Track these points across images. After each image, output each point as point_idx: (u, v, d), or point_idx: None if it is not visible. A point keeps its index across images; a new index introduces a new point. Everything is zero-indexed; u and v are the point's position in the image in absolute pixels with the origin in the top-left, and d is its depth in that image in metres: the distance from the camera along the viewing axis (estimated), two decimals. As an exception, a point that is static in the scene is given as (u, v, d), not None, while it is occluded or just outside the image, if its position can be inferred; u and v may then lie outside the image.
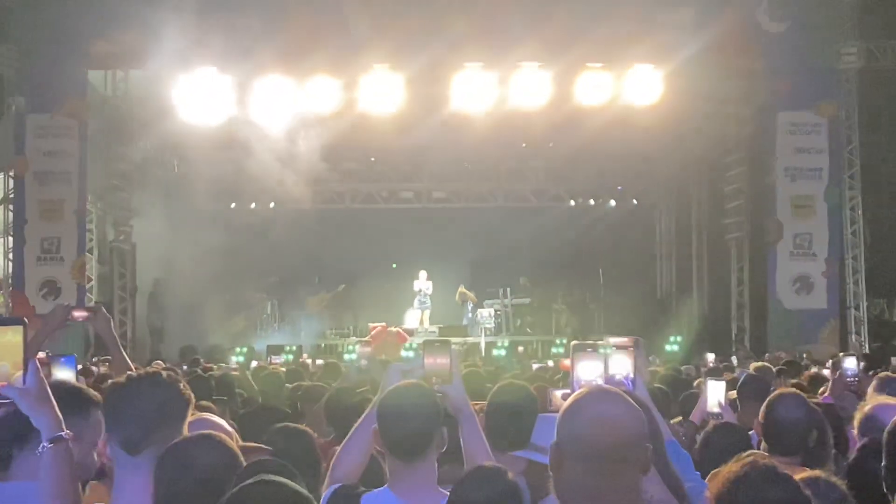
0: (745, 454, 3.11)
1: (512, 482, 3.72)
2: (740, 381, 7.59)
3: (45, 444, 3.23)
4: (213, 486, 3.18)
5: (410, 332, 26.10)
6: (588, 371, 3.76)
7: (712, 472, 3.21)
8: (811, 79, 22.07)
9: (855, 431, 5.02)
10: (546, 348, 25.37)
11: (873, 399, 5.23)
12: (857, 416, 5.05)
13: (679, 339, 24.63)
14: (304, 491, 2.99)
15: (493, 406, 5.14)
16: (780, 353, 19.00)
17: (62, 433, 3.26)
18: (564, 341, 26.80)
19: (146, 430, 3.49)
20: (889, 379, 6.58)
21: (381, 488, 4.08)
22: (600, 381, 3.69)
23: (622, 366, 4.93)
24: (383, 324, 25.79)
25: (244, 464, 3.35)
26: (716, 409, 6.44)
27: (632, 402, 3.01)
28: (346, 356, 17.90)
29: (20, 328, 3.27)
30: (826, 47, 22.12)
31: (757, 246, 23.46)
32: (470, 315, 28.04)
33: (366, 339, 24.45)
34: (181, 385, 3.66)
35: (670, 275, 29.60)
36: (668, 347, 23.58)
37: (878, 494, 3.19)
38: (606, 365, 4.27)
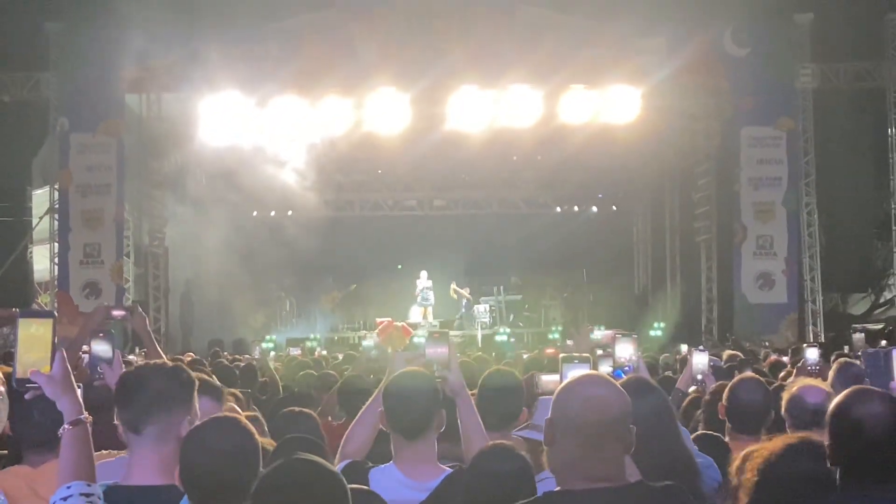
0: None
1: (523, 459, 3.75)
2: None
3: (66, 426, 3.25)
4: (231, 466, 3.21)
5: (414, 327, 26.10)
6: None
7: (747, 450, 3.25)
8: (771, 97, 22.13)
9: (783, 411, 5.03)
10: (536, 339, 25.41)
11: (798, 381, 5.25)
12: (784, 397, 5.06)
13: (662, 324, 24.77)
14: (335, 469, 3.01)
15: (483, 390, 5.18)
16: (745, 343, 19.14)
17: (82, 416, 3.27)
18: (560, 328, 27.06)
19: (147, 411, 3.52)
20: (847, 363, 6.62)
21: (387, 464, 4.12)
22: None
23: (627, 351, 5.17)
24: (389, 319, 25.79)
25: (259, 445, 3.35)
26: (699, 377, 6.63)
27: (618, 386, 3.06)
28: (364, 343, 17.97)
29: (50, 321, 3.28)
30: (784, 69, 22.16)
31: (724, 247, 23.46)
32: (464, 310, 28.04)
33: (375, 332, 24.52)
34: (183, 374, 3.68)
35: (646, 273, 29.63)
36: (651, 333, 23.70)
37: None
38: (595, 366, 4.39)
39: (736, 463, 3.29)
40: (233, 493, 3.08)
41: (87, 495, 3.18)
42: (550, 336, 24.89)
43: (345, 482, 2.94)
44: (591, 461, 2.90)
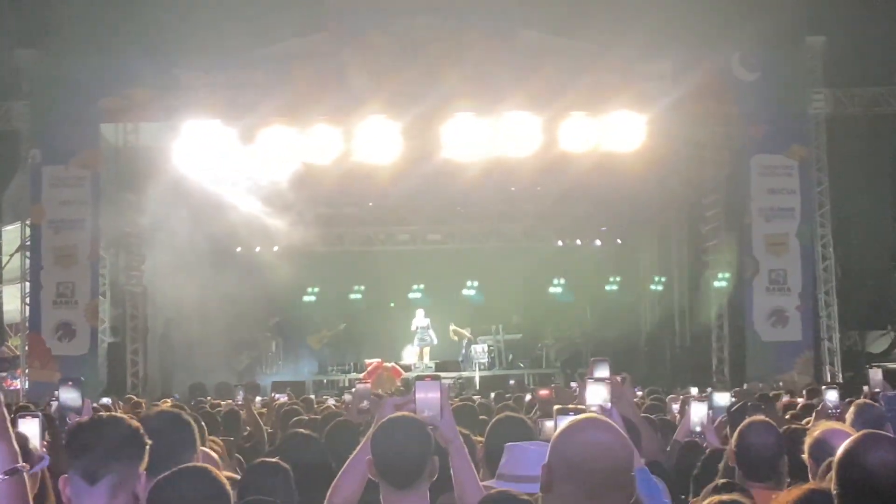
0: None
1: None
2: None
3: (2, 476, 3.14)
4: None
5: (408, 368, 26.05)
6: None
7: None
8: (783, 124, 22.21)
9: (805, 456, 5.03)
10: (537, 380, 25.34)
11: (822, 425, 5.25)
12: (808, 441, 5.05)
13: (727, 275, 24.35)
14: None
15: (492, 438, 5.16)
16: (757, 384, 19.08)
17: (18, 466, 3.17)
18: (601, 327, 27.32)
19: (104, 461, 3.49)
20: (867, 405, 6.60)
21: None
22: None
23: (598, 395, 4.95)
24: (379, 360, 25.75)
25: (230, 495, 3.35)
26: (697, 429, 6.58)
27: (621, 431, 3.04)
28: (346, 396, 17.73)
29: None
30: (796, 95, 22.27)
31: (734, 282, 23.47)
32: (464, 351, 28.01)
33: (361, 375, 24.44)
34: (138, 428, 3.65)
35: (653, 310, 29.60)
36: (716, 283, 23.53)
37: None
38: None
39: None
40: None
41: None
42: None
43: None
44: None
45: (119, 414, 3.86)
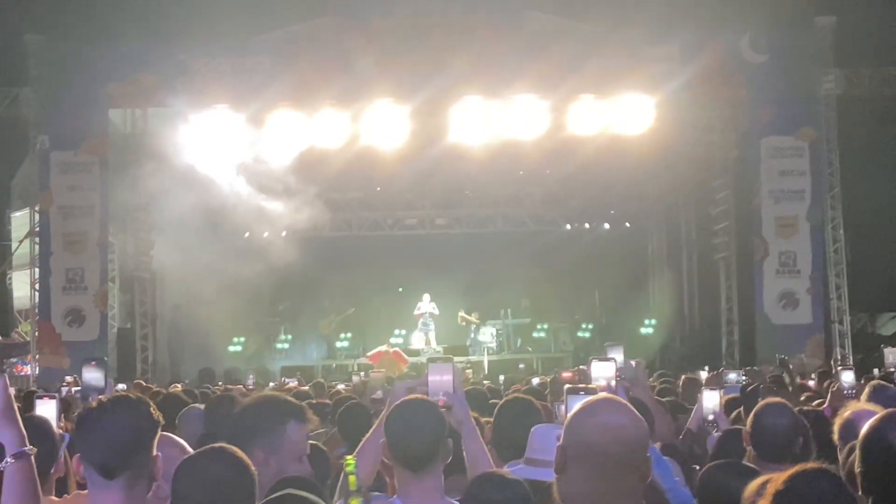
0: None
1: (522, 486, 3.71)
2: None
3: (9, 460, 3.16)
4: (225, 498, 3.20)
5: (415, 353, 26.07)
6: None
7: (761, 479, 3.21)
8: (792, 105, 22.11)
9: (835, 437, 5.02)
10: (546, 365, 25.35)
11: (853, 406, 5.23)
12: (837, 423, 5.04)
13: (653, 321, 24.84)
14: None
15: (500, 420, 5.15)
16: (769, 367, 19.07)
17: (26, 448, 3.20)
18: (591, 326, 27.22)
19: (122, 456, 3.41)
20: (881, 386, 6.60)
21: (391, 498, 4.09)
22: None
23: (604, 373, 4.97)
24: (379, 349, 25.78)
25: (255, 476, 3.33)
26: (710, 417, 6.55)
27: (636, 413, 3.02)
28: (355, 378, 17.69)
29: None
30: (806, 76, 22.16)
31: (744, 264, 23.42)
32: (472, 336, 28.02)
33: (366, 360, 24.55)
34: (151, 407, 3.59)
35: (662, 293, 29.56)
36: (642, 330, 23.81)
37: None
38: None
39: (749, 490, 3.24)
40: None
41: None
42: (579, 334, 25.88)
43: None
44: (606, 494, 2.85)
45: (130, 394, 3.83)
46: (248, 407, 4.23)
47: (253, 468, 3.33)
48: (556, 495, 2.96)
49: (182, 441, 4.13)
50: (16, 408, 3.25)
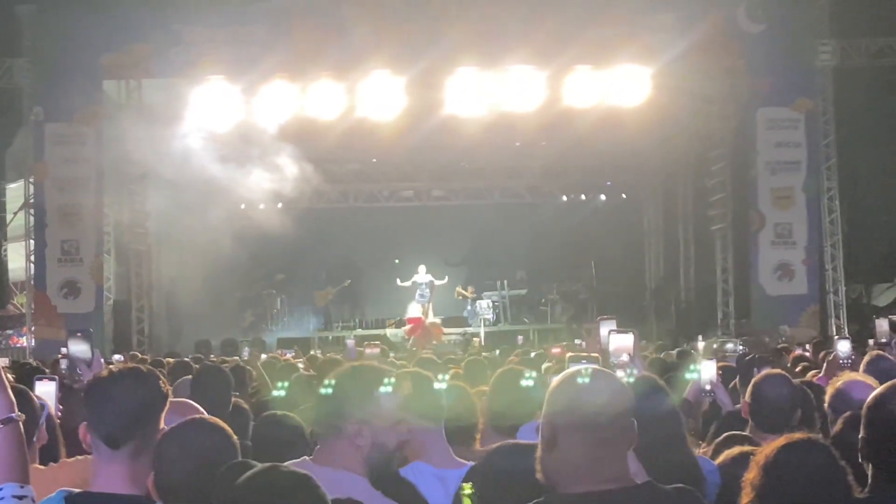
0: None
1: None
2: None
3: None
4: (210, 467, 3.17)
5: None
6: None
7: (745, 448, 3.21)
8: (789, 76, 22.04)
9: (826, 406, 5.00)
10: (543, 337, 25.39)
11: (845, 376, 5.21)
12: (829, 392, 5.04)
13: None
14: (314, 478, 2.95)
15: (495, 391, 5.11)
16: (763, 337, 19.12)
17: (13, 414, 3.16)
18: (587, 297, 27.43)
19: (128, 427, 3.45)
20: (879, 356, 6.60)
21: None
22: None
23: (624, 345, 4.93)
24: (421, 317, 25.97)
25: (237, 445, 3.33)
26: (707, 387, 6.53)
27: (617, 377, 3.06)
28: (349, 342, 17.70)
29: None
30: (802, 46, 22.07)
31: (740, 236, 23.42)
32: (469, 308, 28.06)
33: (405, 330, 24.82)
34: (160, 380, 3.61)
35: (658, 264, 29.58)
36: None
37: (859, 463, 3.16)
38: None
39: (727, 456, 3.25)
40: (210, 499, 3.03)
41: (20, 497, 3.08)
42: None
43: (325, 493, 2.90)
44: (596, 461, 2.84)
45: (138, 365, 3.81)
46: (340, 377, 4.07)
47: (235, 437, 3.31)
48: (541, 474, 2.91)
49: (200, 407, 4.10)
50: (4, 376, 3.22)
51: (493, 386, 5.22)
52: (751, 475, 3.10)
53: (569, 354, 4.24)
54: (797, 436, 3.19)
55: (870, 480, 2.94)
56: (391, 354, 11.61)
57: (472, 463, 4.01)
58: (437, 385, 4.23)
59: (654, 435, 2.99)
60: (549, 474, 2.89)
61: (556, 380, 3.02)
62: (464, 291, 28.19)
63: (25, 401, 4.07)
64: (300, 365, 11.96)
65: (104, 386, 3.56)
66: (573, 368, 3.07)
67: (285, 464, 3.07)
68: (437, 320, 26.57)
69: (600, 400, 2.86)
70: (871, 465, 2.92)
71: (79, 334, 4.88)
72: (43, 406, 4.15)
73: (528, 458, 3.35)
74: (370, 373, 3.87)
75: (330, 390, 3.69)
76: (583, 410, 2.85)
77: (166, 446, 3.29)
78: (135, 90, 22.85)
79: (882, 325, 10.92)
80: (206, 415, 3.81)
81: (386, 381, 3.73)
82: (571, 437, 2.85)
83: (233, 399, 6.04)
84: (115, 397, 3.51)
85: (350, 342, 12.10)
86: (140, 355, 15.26)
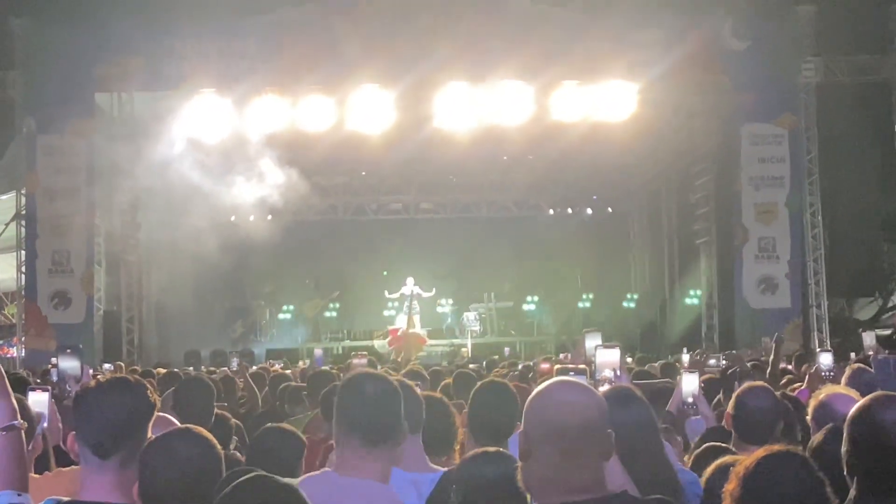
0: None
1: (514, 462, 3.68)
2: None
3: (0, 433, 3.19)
4: (194, 476, 3.19)
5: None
6: None
7: (726, 459, 3.23)
8: (773, 93, 22.12)
9: (809, 418, 5.03)
10: (529, 348, 25.38)
11: (827, 388, 5.24)
12: (812, 404, 5.07)
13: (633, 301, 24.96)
14: (296, 487, 2.97)
15: (476, 403, 5.08)
16: (746, 351, 19.16)
17: (15, 422, 3.21)
18: (573, 310, 27.41)
19: (116, 437, 3.45)
20: (861, 369, 6.62)
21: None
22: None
23: (610, 360, 4.95)
24: (402, 327, 25.88)
25: (221, 455, 3.33)
26: (689, 400, 6.52)
27: (593, 390, 3.07)
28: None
29: None
30: (786, 63, 22.16)
31: (724, 250, 23.49)
32: (450, 319, 28.05)
33: (387, 340, 24.69)
34: (148, 390, 3.62)
35: (643, 278, 29.63)
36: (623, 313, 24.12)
37: (838, 475, 3.17)
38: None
39: (709, 472, 3.27)
40: None
41: None
42: (580, 304, 27.70)
43: (305, 498, 2.91)
44: (570, 471, 2.86)
45: (127, 376, 3.82)
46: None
47: (219, 447, 3.31)
48: (522, 483, 2.94)
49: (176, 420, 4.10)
50: (7, 384, 3.27)
51: (473, 398, 5.21)
52: (730, 486, 3.12)
53: (557, 367, 4.24)
54: (776, 447, 3.21)
55: (854, 493, 2.94)
56: (378, 366, 11.59)
57: (444, 469, 4.01)
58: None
59: (629, 444, 3.01)
60: (527, 484, 2.93)
61: (532, 394, 3.04)
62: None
63: (22, 410, 4.09)
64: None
65: (93, 396, 3.56)
66: (550, 381, 3.09)
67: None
68: (422, 332, 26.45)
69: (569, 412, 2.89)
70: (855, 478, 2.92)
71: (68, 350, 4.89)
72: (40, 416, 4.16)
73: (501, 466, 3.37)
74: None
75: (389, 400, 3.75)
76: (552, 422, 2.89)
77: (151, 455, 3.29)
78: (127, 103, 22.83)
79: (869, 338, 10.98)
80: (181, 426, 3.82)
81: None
82: (543, 448, 2.89)
83: (216, 410, 6.02)
84: (104, 407, 3.51)
85: (318, 351, 12.15)
86: (125, 366, 15.21)
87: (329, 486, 3.61)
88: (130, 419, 3.50)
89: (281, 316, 28.46)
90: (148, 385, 3.70)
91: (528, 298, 28.80)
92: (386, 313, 28.25)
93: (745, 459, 3.20)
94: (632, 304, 29.23)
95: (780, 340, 5.22)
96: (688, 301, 25.56)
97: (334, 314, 28.50)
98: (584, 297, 29.15)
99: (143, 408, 3.55)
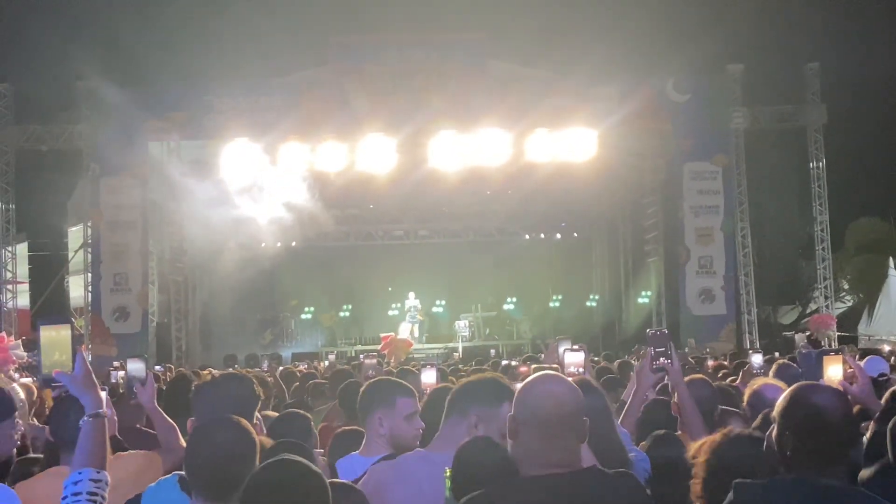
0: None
1: (505, 450, 3.66)
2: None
3: (86, 418, 3.19)
4: (231, 461, 3.13)
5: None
6: None
7: (701, 440, 3.27)
8: (708, 137, 22.21)
9: (744, 404, 5.06)
10: (510, 350, 25.34)
11: (760, 380, 5.26)
12: (747, 393, 5.09)
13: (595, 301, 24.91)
14: (317, 469, 2.94)
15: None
16: (692, 341, 19.23)
17: (101, 410, 3.21)
18: (546, 318, 27.30)
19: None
20: (785, 364, 6.66)
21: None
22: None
23: (575, 360, 5.03)
24: (392, 334, 25.74)
25: (256, 441, 3.27)
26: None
27: (572, 383, 3.08)
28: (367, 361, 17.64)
29: (68, 326, 3.27)
30: (719, 112, 22.25)
31: (670, 267, 23.50)
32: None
33: (379, 347, 24.45)
34: (255, 384, 4.02)
35: (604, 291, 29.63)
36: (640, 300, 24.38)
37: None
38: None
39: (692, 449, 3.29)
40: (231, 486, 3.00)
41: (96, 481, 3.12)
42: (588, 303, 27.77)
43: (325, 480, 2.88)
44: (549, 450, 2.89)
45: (237, 371, 4.00)
46: (370, 385, 4.46)
47: (255, 435, 3.28)
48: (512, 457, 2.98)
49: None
50: (94, 379, 3.27)
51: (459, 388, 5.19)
52: (703, 458, 3.17)
53: (533, 366, 4.28)
54: (741, 430, 3.29)
55: (790, 462, 2.87)
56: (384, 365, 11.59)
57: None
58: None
59: (589, 425, 3.05)
60: (514, 457, 2.97)
61: (522, 384, 3.08)
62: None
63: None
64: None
65: (209, 388, 3.97)
66: (536, 375, 3.12)
67: None
68: (411, 337, 25.98)
69: (552, 400, 2.93)
70: (788, 452, 2.87)
71: (136, 358, 4.92)
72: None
73: (496, 450, 3.38)
74: (390, 384, 4.36)
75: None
76: (537, 409, 2.92)
77: (194, 441, 3.24)
78: (174, 149, 22.84)
79: (800, 338, 11.00)
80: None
81: (402, 391, 4.19)
82: (528, 430, 2.92)
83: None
84: (221, 396, 3.89)
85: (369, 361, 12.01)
86: (174, 367, 15.18)
87: None
88: (240, 407, 3.71)
89: (303, 316, 28.58)
90: (253, 380, 4.09)
91: (508, 300, 28.88)
92: (391, 322, 28.16)
93: (713, 437, 3.25)
94: (594, 304, 29.36)
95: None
96: (640, 301, 25.57)
97: (347, 314, 28.53)
98: (555, 297, 29.27)
99: (250, 396, 3.97)
